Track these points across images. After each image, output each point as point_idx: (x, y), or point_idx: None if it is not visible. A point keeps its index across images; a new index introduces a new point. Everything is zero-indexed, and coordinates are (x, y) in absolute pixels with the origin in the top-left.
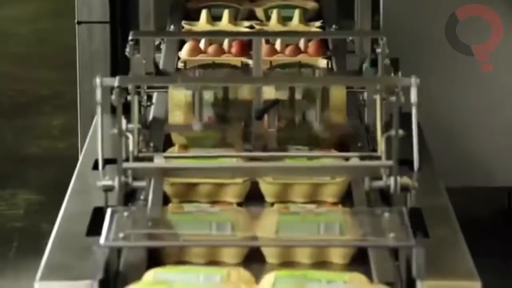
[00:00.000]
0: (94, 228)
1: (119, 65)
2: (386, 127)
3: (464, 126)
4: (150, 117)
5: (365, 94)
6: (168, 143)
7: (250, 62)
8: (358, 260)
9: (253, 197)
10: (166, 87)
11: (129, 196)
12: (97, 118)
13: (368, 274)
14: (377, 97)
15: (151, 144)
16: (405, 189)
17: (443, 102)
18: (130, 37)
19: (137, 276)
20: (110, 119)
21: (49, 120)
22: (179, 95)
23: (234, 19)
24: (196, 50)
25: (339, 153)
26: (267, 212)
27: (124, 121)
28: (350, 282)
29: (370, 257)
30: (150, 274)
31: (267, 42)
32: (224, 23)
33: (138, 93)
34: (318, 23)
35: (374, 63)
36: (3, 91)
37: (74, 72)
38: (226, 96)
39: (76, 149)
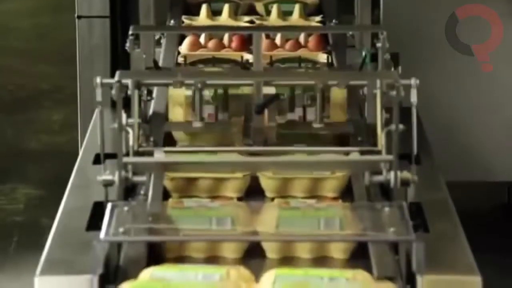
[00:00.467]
0: (94, 222)
1: (119, 59)
2: (386, 121)
3: (464, 121)
4: (150, 111)
5: (365, 89)
6: (168, 138)
7: (250, 56)
8: (358, 255)
9: (253, 192)
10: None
11: (129, 190)
12: (97, 114)
13: (368, 268)
14: (377, 92)
15: (151, 139)
16: (405, 183)
17: (443, 97)
18: (130, 32)
19: (137, 271)
20: (110, 114)
21: (49, 114)
22: (179, 94)
23: (234, 14)
24: (196, 45)
25: (339, 148)
26: (267, 207)
27: (124, 116)
28: (353, 279)
29: (370, 252)
30: (147, 273)
31: (267, 37)
32: (224, 18)
33: (138, 88)
34: (318, 18)
35: (374, 58)
36: (3, 86)
37: (74, 67)
38: (226, 92)
39: (76, 144)
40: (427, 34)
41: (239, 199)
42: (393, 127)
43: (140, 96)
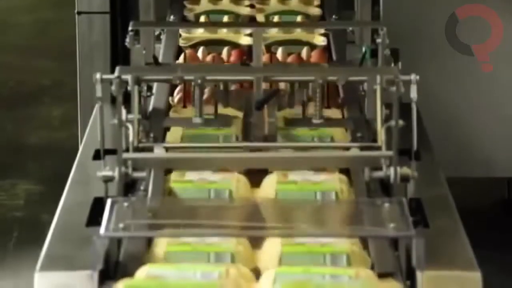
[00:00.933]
0: (94, 218)
1: (119, 55)
2: (386, 117)
3: (464, 117)
4: (150, 107)
5: (365, 85)
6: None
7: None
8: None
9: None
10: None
11: (129, 186)
12: (97, 110)
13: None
14: (377, 88)
15: (151, 135)
16: (405, 179)
17: (443, 92)
18: (130, 28)
19: (137, 267)
20: (110, 110)
21: (49, 110)
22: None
23: None
24: (194, 60)
25: (339, 144)
26: (266, 180)
27: (124, 112)
28: (356, 276)
29: (370, 247)
30: (144, 271)
31: (268, 50)
32: (226, 2)
33: (138, 84)
34: (322, 30)
35: (374, 54)
36: (3, 81)
37: (74, 62)
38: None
39: (76, 140)
40: (427, 30)
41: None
42: (393, 123)
43: (140, 92)
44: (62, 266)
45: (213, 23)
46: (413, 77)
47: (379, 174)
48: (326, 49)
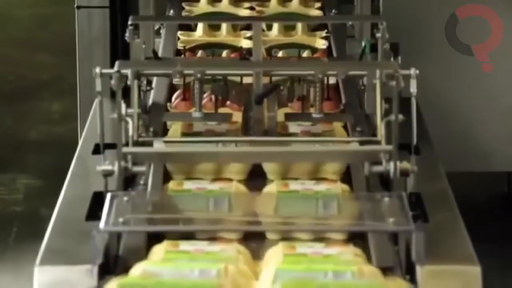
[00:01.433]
0: (94, 213)
1: (118, 49)
2: (386, 112)
3: (464, 111)
4: (150, 101)
5: (365, 79)
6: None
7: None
8: (357, 246)
9: (256, 174)
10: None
11: (128, 181)
12: (97, 105)
13: (367, 258)
14: (377, 82)
15: (151, 129)
16: (404, 173)
17: (442, 87)
18: (129, 22)
19: (137, 261)
20: (110, 104)
21: (49, 105)
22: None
23: (234, 0)
24: None
25: (338, 138)
26: (266, 189)
27: (123, 106)
28: (359, 273)
29: (369, 242)
30: (139, 268)
31: (268, 54)
32: (225, 4)
33: (138, 78)
34: (323, 33)
35: (374, 48)
36: (3, 76)
37: (74, 57)
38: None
39: (75, 134)
40: (427, 25)
41: (241, 181)
42: (392, 117)
43: (139, 86)
44: (62, 260)
45: (212, 18)
46: (413, 71)
47: (378, 168)
48: (327, 52)
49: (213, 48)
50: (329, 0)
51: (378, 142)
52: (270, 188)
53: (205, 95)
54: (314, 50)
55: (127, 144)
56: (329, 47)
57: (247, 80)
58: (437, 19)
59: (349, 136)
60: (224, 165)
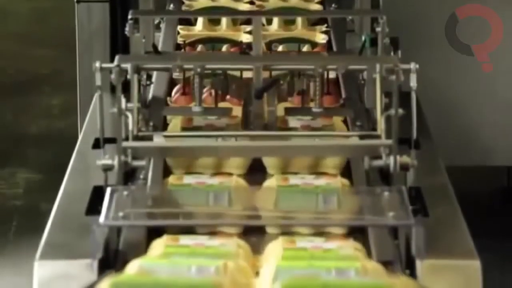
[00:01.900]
0: (94, 207)
1: (118, 44)
2: (386, 106)
3: (464, 105)
4: (150, 96)
5: (365, 73)
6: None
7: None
8: (357, 240)
9: (256, 169)
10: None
11: (128, 175)
12: (97, 99)
13: (367, 252)
14: (377, 76)
15: (151, 123)
16: (404, 168)
17: (442, 81)
18: (129, 16)
19: (137, 255)
20: (110, 98)
21: (49, 99)
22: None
23: None
24: None
25: (338, 133)
26: (266, 183)
27: (123, 100)
28: (363, 270)
29: (369, 236)
30: (135, 265)
31: (268, 48)
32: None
33: (138, 72)
34: (323, 28)
35: (374, 42)
36: (2, 70)
37: (73, 51)
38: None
39: (75, 128)
40: (427, 19)
41: (241, 176)
42: (392, 111)
43: (139, 80)
44: (62, 254)
45: (211, 12)
46: (413, 65)
47: (378, 162)
48: (327, 47)
49: (213, 42)
50: (330, 0)
51: (378, 137)
52: (270, 182)
53: (205, 90)
54: (314, 44)
55: (127, 139)
56: (329, 41)
57: (247, 74)
58: (437, 13)
59: (349, 131)
60: (224, 159)
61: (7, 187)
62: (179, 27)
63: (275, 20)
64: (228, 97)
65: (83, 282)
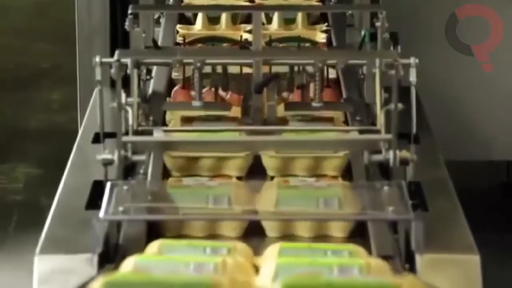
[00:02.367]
0: (94, 201)
1: (118, 38)
2: (385, 101)
3: (463, 100)
4: (150, 91)
5: (364, 68)
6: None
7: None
8: (357, 234)
9: (255, 171)
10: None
11: (128, 169)
12: (97, 94)
13: (367, 247)
14: (377, 71)
15: (151, 118)
16: (404, 162)
17: (442, 76)
18: (129, 11)
19: (137, 250)
20: (110, 93)
21: (49, 93)
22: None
23: None
24: None
25: (338, 127)
26: (266, 186)
27: (123, 95)
28: (367, 268)
29: (369, 231)
30: (130, 261)
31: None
32: None
33: (138, 67)
34: (324, 27)
35: (373, 37)
36: (3, 64)
37: (73, 46)
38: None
39: (75, 123)
40: (426, 14)
41: (241, 178)
42: (392, 106)
43: (139, 75)
44: (62, 249)
45: (211, 6)
46: (413, 60)
47: (378, 157)
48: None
49: (212, 41)
50: None
51: (377, 131)
52: (270, 184)
53: (204, 90)
54: (314, 43)
55: (127, 133)
56: (329, 37)
57: (246, 71)
58: (437, 9)
59: (348, 125)
60: (223, 161)
61: (7, 181)
62: (178, 26)
63: (275, 19)
64: (228, 97)
65: (83, 277)
